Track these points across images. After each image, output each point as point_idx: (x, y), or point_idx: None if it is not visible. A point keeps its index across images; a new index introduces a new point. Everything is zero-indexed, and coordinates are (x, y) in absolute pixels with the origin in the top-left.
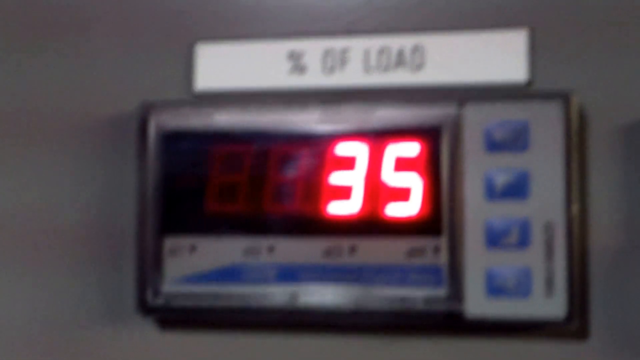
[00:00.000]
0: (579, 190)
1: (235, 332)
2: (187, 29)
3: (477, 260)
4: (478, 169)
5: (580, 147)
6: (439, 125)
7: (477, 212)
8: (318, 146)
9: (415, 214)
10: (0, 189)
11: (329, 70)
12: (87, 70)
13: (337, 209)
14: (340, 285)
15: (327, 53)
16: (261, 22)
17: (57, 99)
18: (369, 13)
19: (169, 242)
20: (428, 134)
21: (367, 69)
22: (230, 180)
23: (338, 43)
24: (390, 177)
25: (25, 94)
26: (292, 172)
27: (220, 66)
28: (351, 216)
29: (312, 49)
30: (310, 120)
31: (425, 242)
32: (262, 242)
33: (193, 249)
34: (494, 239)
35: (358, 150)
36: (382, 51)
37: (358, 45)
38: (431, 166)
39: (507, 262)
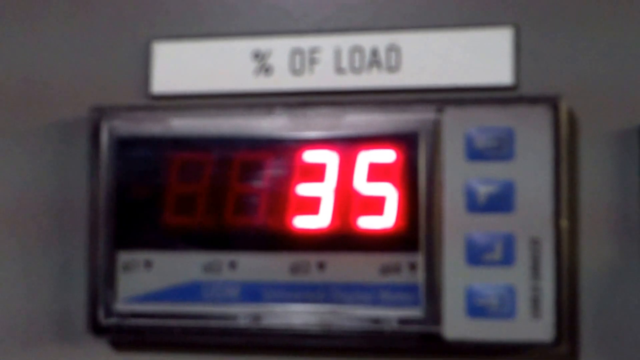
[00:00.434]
0: (568, 203)
1: (195, 354)
2: (142, 26)
3: (457, 278)
4: (458, 179)
5: (569, 155)
6: (416, 131)
7: (457, 225)
8: (284, 154)
9: (390, 227)
10: None
11: (297, 71)
12: (34, 70)
13: (304, 222)
14: (308, 305)
15: (295, 53)
16: (223, 19)
17: (1, 102)
18: (340, 9)
19: (123, 257)
20: (404, 141)
21: (338, 70)
22: (189, 191)
23: (307, 42)
24: (363, 187)
25: None
26: (256, 182)
27: (179, 67)
28: (320, 230)
29: (279, 48)
30: (276, 126)
31: (400, 258)
32: (224, 258)
33: (149, 264)
34: (476, 255)
35: (328, 158)
36: (354, 51)
37: (328, 45)
38: (407, 176)
39: (489, 280)
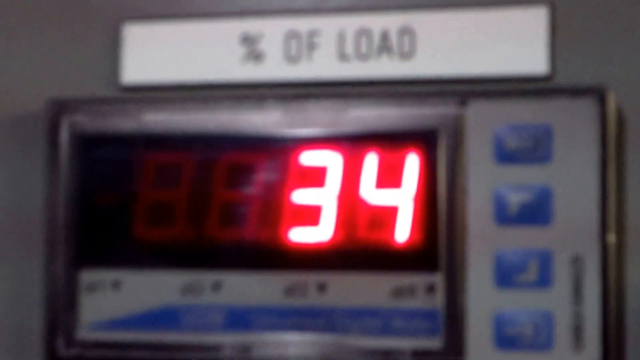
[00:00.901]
0: (616, 214)
1: None
2: (111, 5)
3: (483, 303)
4: (486, 186)
5: (617, 157)
6: (435, 129)
7: (484, 240)
8: (278, 155)
9: (403, 242)
10: None
11: (293, 58)
12: None
13: (302, 235)
14: (306, 334)
15: (290, 36)
16: None
17: None
18: None
19: (87, 277)
20: (420, 140)
21: (341, 56)
22: (166, 198)
23: (304, 23)
24: (371, 194)
25: None
26: (244, 189)
27: (153, 53)
28: (320, 245)
29: (272, 30)
30: (268, 122)
31: (416, 279)
32: (206, 278)
33: (117, 285)
34: (506, 275)
35: (329, 160)
36: (360, 34)
37: (330, 27)
38: (424, 181)
39: (522, 305)
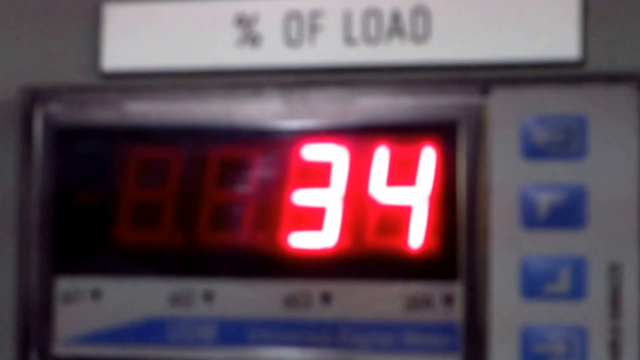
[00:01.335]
0: None
1: None
2: None
3: (508, 316)
4: (511, 185)
5: None
6: (453, 120)
7: (509, 246)
8: (277, 150)
9: (418, 248)
10: None
11: (294, 42)
12: None
13: (304, 240)
14: (309, 350)
15: (290, 17)
16: None
17: None
18: None
19: (63, 285)
20: (437, 133)
21: (347, 40)
22: (151, 198)
23: (306, 3)
24: (381, 194)
25: None
26: (239, 188)
27: (137, 36)
28: (324, 251)
29: (269, 11)
30: (266, 113)
31: (432, 289)
32: (196, 287)
33: (97, 295)
34: (534, 285)
35: (334, 155)
36: (369, 15)
37: (335, 7)
38: (442, 179)
39: (552, 319)
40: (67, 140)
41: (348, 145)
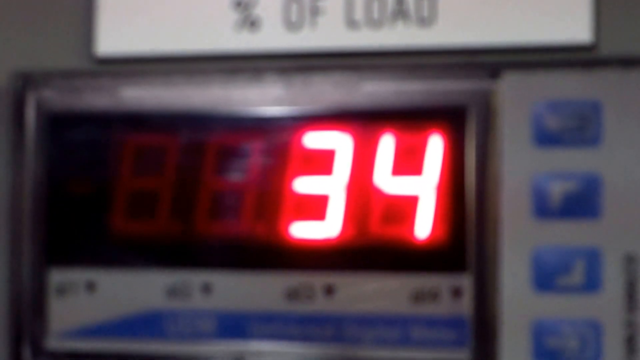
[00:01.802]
0: None
1: None
2: None
3: (519, 309)
4: (522, 173)
5: None
6: (462, 106)
7: (520, 237)
8: (278, 136)
9: (425, 238)
10: None
11: (294, 25)
12: None
13: (306, 230)
14: (310, 345)
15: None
16: None
17: None
18: None
19: (57, 277)
20: (445, 120)
21: (350, 23)
22: (147, 187)
23: None
24: (387, 183)
25: None
26: (238, 176)
27: (133, 20)
28: (327, 241)
29: None
30: (266, 99)
31: (439, 281)
32: (194, 279)
33: (91, 287)
34: (547, 277)
35: (338, 142)
36: None
37: None
38: (450, 167)
39: (566, 313)
40: (61, 126)
41: (352, 132)
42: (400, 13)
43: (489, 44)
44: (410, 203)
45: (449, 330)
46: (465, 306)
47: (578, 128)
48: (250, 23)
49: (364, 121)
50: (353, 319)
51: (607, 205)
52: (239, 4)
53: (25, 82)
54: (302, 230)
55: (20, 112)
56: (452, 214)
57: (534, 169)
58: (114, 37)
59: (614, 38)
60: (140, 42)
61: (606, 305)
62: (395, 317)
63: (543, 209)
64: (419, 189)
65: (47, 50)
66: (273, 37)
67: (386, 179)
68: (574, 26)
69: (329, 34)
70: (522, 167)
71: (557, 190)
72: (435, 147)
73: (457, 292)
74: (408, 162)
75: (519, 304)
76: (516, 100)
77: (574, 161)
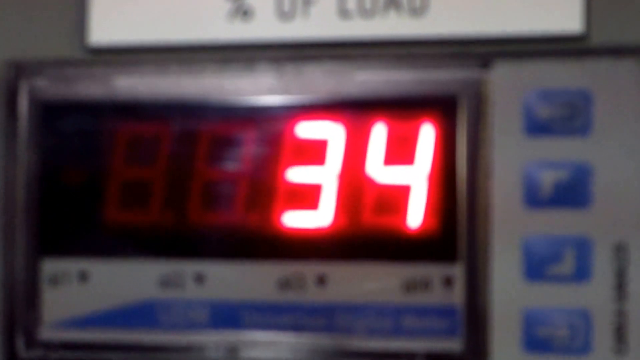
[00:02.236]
0: None
1: None
2: None
3: (510, 299)
4: (513, 162)
5: None
6: (453, 95)
7: (511, 226)
8: (270, 126)
9: (417, 228)
10: None
11: (287, 14)
12: None
13: (298, 219)
14: (302, 334)
15: None
16: None
17: None
18: None
19: (49, 267)
20: (436, 109)
21: (342, 12)
22: (140, 177)
23: None
24: (379, 172)
25: None
26: (231, 165)
27: (126, 9)
28: (319, 231)
29: None
30: (259, 88)
31: (431, 271)
32: (187, 269)
33: (84, 277)
34: (537, 267)
35: (330, 132)
36: None
37: None
38: (441, 157)
39: (556, 302)
40: (53, 116)
41: (344, 121)
42: (393, 3)
43: (480, 34)
44: (402, 192)
45: (440, 319)
46: (457, 295)
47: (568, 117)
48: (243, 12)
49: (356, 111)
50: (345, 308)
51: (597, 194)
52: None
53: (18, 71)
54: (295, 220)
55: (13, 101)
56: (443, 203)
57: (525, 158)
58: (106, 27)
59: (605, 28)
60: (133, 31)
61: (596, 295)
62: (387, 306)
63: (534, 198)
64: (411, 179)
65: (40, 40)
66: (266, 26)
67: (378, 169)
68: (565, 16)
69: (321, 23)
70: (512, 156)
71: (548, 179)
72: (427, 136)
73: (448, 282)
74: (400, 151)
75: (509, 293)
76: (507, 89)
77: (564, 150)
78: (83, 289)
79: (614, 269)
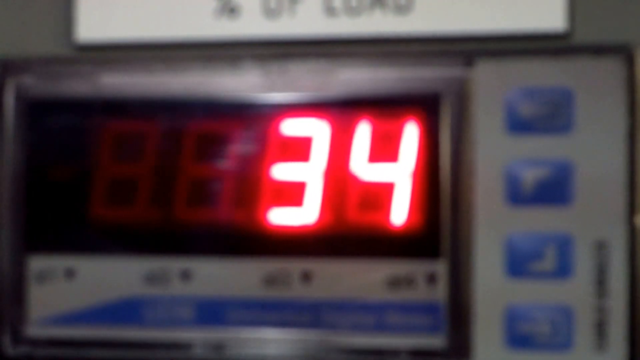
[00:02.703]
0: None
1: None
2: None
3: (492, 295)
4: (496, 160)
5: None
6: (437, 94)
7: (493, 223)
8: (256, 123)
9: (400, 225)
10: None
11: (273, 12)
12: None
13: (283, 216)
14: (288, 330)
15: None
16: None
17: None
18: None
19: (36, 264)
20: (420, 107)
21: (328, 10)
22: (126, 174)
23: None
24: (363, 170)
25: None
26: (217, 163)
27: (113, 6)
28: (305, 228)
29: None
30: (244, 86)
31: (414, 267)
32: (173, 266)
33: (71, 274)
34: (519, 263)
35: (315, 129)
36: None
37: None
38: (425, 155)
39: (537, 298)
40: (40, 113)
41: (329, 119)
42: (378, 1)
43: (464, 32)
44: (386, 190)
45: (424, 315)
46: (440, 292)
47: (550, 115)
48: (229, 10)
49: (340, 109)
50: (329, 305)
51: (578, 192)
52: None
53: (5, 68)
54: (280, 217)
55: (0, 98)
56: (427, 200)
57: (507, 155)
58: (93, 24)
59: (588, 26)
60: (120, 28)
61: (577, 291)
62: (372, 303)
63: (516, 195)
64: (395, 176)
65: (26, 37)
66: (252, 24)
67: (362, 166)
68: (548, 15)
69: (307, 21)
70: (495, 154)
71: (530, 177)
72: (411, 134)
73: (431, 278)
74: (384, 149)
75: (492, 289)
76: (490, 88)
77: (546, 148)
78: (69, 286)
79: (595, 265)
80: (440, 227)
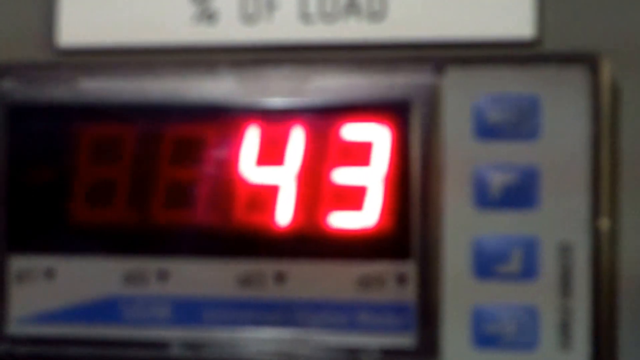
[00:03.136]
0: (609, 197)
1: None
2: None
3: (460, 296)
4: (464, 165)
5: (612, 133)
6: (407, 99)
7: (462, 226)
8: (232, 128)
9: (371, 227)
10: None
11: (250, 18)
12: None
13: (258, 219)
14: (263, 329)
15: None
16: None
17: None
18: None
19: (16, 264)
20: (391, 113)
21: (303, 17)
22: (105, 176)
23: None
24: (336, 173)
25: None
26: (193, 166)
27: (93, 11)
28: (278, 230)
29: None
30: (221, 91)
31: (385, 268)
32: (151, 266)
33: (51, 273)
34: (486, 265)
35: (290, 134)
36: None
37: None
38: (395, 159)
39: (504, 299)
40: (20, 117)
41: (303, 124)
42: (353, 8)
43: (435, 39)
44: (358, 193)
45: (394, 315)
46: (410, 292)
47: (517, 122)
48: (207, 16)
49: (314, 114)
50: (303, 304)
51: (543, 196)
52: None
53: None
54: (255, 219)
55: None
56: (397, 203)
57: (476, 160)
58: (74, 29)
59: (557, 34)
60: (100, 33)
61: (542, 292)
62: (343, 303)
63: (483, 199)
64: (367, 180)
65: (7, 41)
66: (229, 30)
67: (336, 170)
68: (517, 22)
69: (283, 27)
70: (464, 158)
71: (497, 181)
72: (383, 139)
73: (401, 279)
74: (356, 153)
75: (460, 290)
76: (459, 94)
77: (513, 154)
78: (50, 285)
79: (560, 267)
80: (410, 229)
